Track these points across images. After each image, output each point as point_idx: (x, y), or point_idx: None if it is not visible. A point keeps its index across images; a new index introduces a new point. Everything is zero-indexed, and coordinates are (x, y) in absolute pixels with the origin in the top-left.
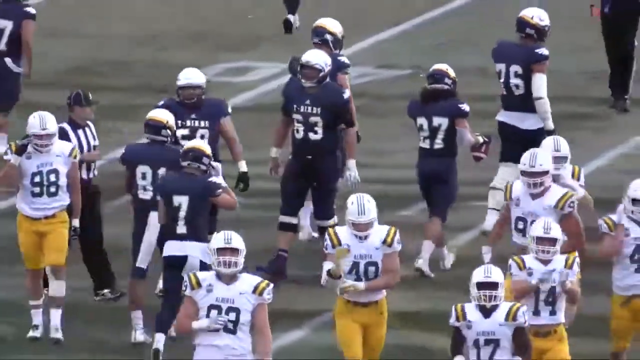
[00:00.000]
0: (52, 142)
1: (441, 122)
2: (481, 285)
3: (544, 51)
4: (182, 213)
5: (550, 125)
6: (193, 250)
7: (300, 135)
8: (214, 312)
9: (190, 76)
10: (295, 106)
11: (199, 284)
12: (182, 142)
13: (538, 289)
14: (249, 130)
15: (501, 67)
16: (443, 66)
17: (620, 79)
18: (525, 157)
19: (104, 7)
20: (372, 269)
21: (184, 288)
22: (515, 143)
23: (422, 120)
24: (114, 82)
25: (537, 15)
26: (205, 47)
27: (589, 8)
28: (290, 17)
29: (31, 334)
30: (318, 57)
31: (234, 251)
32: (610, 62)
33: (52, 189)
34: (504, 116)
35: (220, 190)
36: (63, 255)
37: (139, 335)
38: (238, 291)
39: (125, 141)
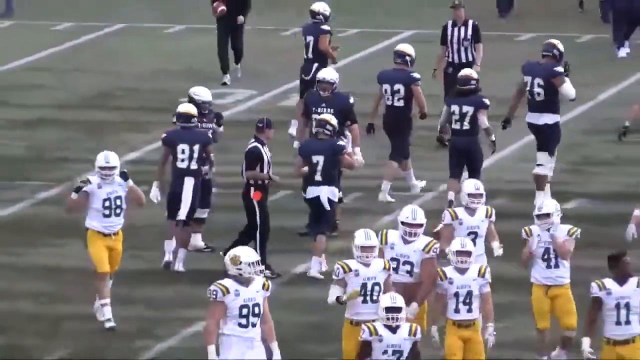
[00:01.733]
0: (114, 173)
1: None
2: (388, 310)
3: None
4: (319, 167)
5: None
6: (323, 192)
7: None
8: (244, 310)
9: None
10: (313, 109)
11: (228, 291)
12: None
13: (458, 293)
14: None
15: (528, 79)
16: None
17: None
18: (407, 211)
19: (115, 51)
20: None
21: (214, 296)
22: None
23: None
24: (126, 104)
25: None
26: (195, 78)
27: None
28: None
29: (108, 324)
30: (332, 75)
31: (259, 264)
32: None
33: (118, 211)
34: (529, 117)
35: (345, 150)
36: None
37: (179, 267)
38: (255, 290)
39: (135, 148)
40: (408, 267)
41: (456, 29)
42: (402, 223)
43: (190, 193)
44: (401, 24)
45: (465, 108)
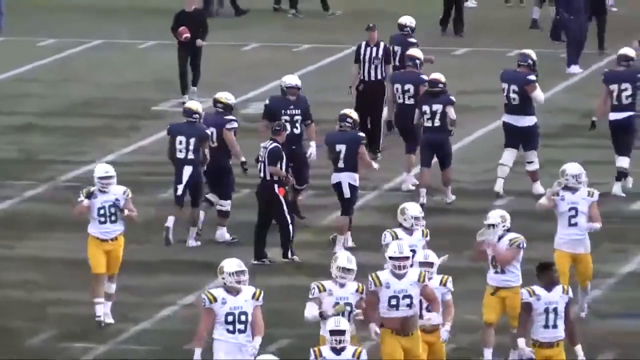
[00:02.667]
0: (112, 183)
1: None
2: (333, 332)
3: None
4: (341, 155)
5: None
6: (343, 177)
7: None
8: (230, 318)
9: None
10: (283, 111)
11: (215, 299)
12: None
13: (398, 298)
14: None
15: (505, 85)
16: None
17: None
18: (394, 246)
19: (96, 64)
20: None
21: (203, 303)
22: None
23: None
24: (105, 111)
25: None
26: (165, 89)
27: None
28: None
29: (108, 320)
30: (297, 80)
31: (245, 272)
32: None
33: (113, 218)
34: (506, 117)
35: (364, 142)
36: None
37: (192, 242)
38: (244, 299)
39: (112, 151)
40: (408, 301)
41: (369, 49)
42: (390, 258)
43: (187, 178)
44: (347, 39)
45: (435, 107)
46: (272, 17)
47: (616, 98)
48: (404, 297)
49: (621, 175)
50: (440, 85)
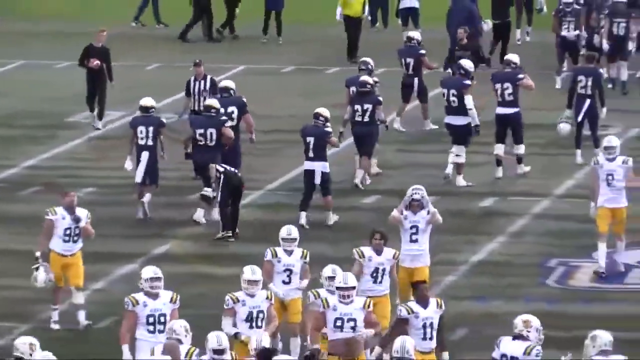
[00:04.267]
0: (75, 207)
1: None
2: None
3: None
4: (310, 146)
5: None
6: (316, 166)
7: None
8: (151, 319)
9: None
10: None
11: (137, 302)
12: None
13: (343, 320)
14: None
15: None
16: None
17: None
18: (340, 276)
19: (19, 82)
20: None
21: (126, 305)
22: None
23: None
24: (27, 122)
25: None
26: (79, 103)
27: None
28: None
29: (55, 326)
30: (232, 84)
31: (161, 279)
32: None
33: (75, 238)
34: (448, 119)
35: (331, 136)
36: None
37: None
38: (162, 302)
39: (32, 157)
40: (352, 324)
41: (197, 83)
42: (337, 288)
43: (145, 162)
44: (237, 60)
45: (365, 106)
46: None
47: (500, 95)
48: (349, 320)
49: (520, 160)
50: (368, 87)
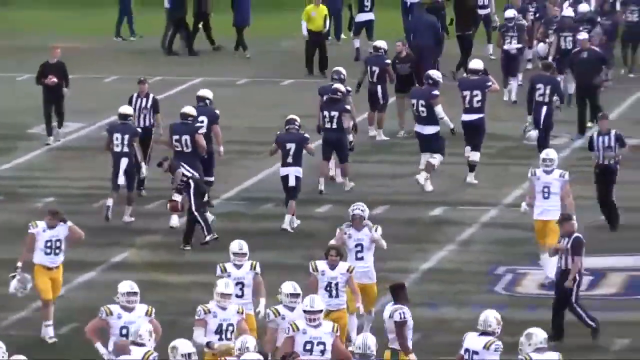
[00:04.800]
0: (58, 224)
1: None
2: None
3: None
4: (291, 152)
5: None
6: (291, 171)
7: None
8: (124, 331)
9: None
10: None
11: (111, 313)
12: None
13: (313, 344)
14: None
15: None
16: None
17: None
18: (307, 300)
19: None
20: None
21: (100, 314)
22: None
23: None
24: None
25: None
26: (39, 115)
27: None
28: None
29: (51, 340)
30: (209, 94)
31: (137, 294)
32: None
33: (57, 251)
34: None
35: (309, 141)
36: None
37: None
38: (137, 315)
39: None
40: (322, 347)
41: (139, 100)
42: (304, 311)
43: (124, 167)
44: (195, 72)
45: (332, 113)
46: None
47: (468, 102)
48: (318, 343)
49: (473, 167)
50: (339, 95)
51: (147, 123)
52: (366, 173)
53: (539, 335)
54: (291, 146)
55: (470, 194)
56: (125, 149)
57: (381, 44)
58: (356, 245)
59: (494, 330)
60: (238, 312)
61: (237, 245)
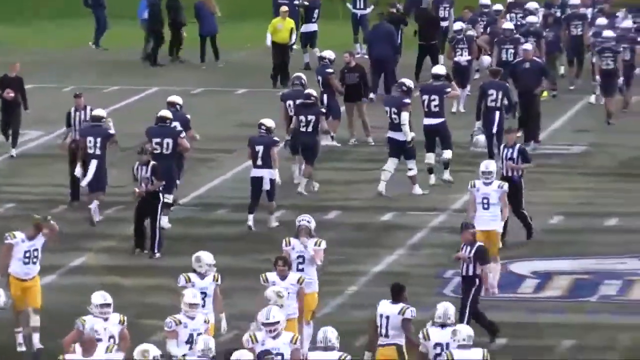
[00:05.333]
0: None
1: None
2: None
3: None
4: (259, 154)
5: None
6: (265, 173)
7: None
8: (104, 339)
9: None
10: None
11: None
12: None
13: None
14: None
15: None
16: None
17: None
18: (264, 312)
19: None
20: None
21: (76, 326)
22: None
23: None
24: None
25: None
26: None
27: None
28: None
29: (21, 349)
30: (179, 99)
31: (110, 305)
32: None
33: (35, 260)
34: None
35: (278, 144)
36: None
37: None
38: (112, 323)
39: None
40: (280, 358)
41: (78, 113)
42: (263, 324)
43: (94, 170)
44: (151, 82)
45: (309, 117)
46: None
47: (426, 106)
48: (277, 354)
49: (447, 165)
50: (313, 98)
51: None
52: (319, 179)
53: (463, 331)
54: (260, 148)
55: (419, 200)
56: (98, 151)
57: (327, 54)
58: (298, 257)
59: (453, 322)
60: (205, 322)
61: (195, 258)
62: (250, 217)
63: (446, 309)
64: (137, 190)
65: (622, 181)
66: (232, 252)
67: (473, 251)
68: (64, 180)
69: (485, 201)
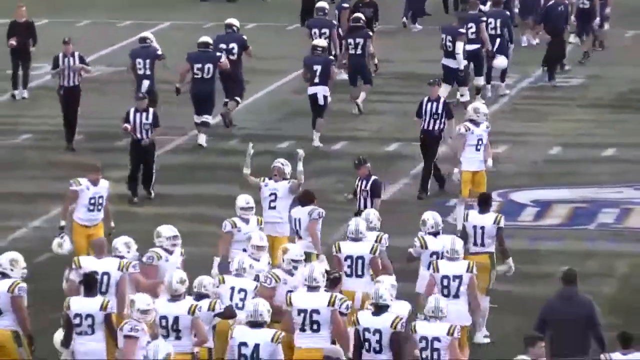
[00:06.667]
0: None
1: None
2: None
3: None
4: (317, 72)
5: None
6: (319, 90)
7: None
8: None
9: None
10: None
11: (160, 257)
12: None
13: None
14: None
15: None
16: None
17: None
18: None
19: None
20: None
21: (150, 260)
22: None
23: None
24: None
25: None
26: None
27: None
28: None
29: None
30: (235, 22)
31: (178, 237)
32: None
33: (99, 207)
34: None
35: (334, 63)
36: None
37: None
38: (176, 255)
39: None
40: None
41: (66, 59)
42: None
43: (146, 87)
44: (167, 17)
45: (357, 40)
46: None
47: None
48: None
49: (479, 90)
50: (361, 21)
51: (76, 82)
52: (331, 111)
53: (449, 244)
54: (317, 67)
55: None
56: (147, 72)
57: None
58: (270, 194)
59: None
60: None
61: (244, 199)
62: (316, 135)
63: (433, 217)
64: (127, 126)
65: (619, 113)
66: (241, 183)
67: (369, 185)
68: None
69: (479, 142)
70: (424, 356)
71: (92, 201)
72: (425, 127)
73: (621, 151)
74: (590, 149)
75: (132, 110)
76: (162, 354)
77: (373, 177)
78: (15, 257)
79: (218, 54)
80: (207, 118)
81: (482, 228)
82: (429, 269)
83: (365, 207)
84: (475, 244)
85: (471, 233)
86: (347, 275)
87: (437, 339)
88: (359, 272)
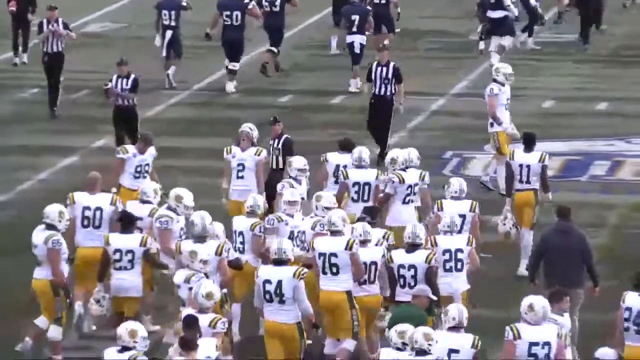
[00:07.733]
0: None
1: None
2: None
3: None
4: (355, 22)
5: None
6: (357, 39)
7: None
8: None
9: None
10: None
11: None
12: None
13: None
14: None
15: None
16: None
17: None
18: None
19: None
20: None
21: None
22: None
23: None
24: None
25: None
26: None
27: None
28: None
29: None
30: None
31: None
32: None
33: (145, 175)
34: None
35: (370, 13)
36: None
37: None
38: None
39: None
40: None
41: (50, 25)
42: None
43: (169, 39)
44: None
45: None
46: None
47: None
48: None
49: (502, 49)
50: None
51: (59, 48)
52: (326, 65)
53: (455, 184)
54: (355, 17)
55: (420, 84)
56: (172, 22)
57: None
58: (238, 165)
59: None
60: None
61: (302, 162)
62: (352, 82)
63: (410, 153)
64: (109, 85)
65: (611, 67)
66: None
67: (280, 143)
68: (83, 67)
69: (508, 102)
70: (447, 267)
71: (139, 169)
72: (377, 92)
73: (613, 105)
74: (583, 102)
75: (114, 76)
76: (204, 290)
77: (285, 136)
78: (62, 210)
79: (246, 1)
80: (234, 66)
81: (528, 166)
82: (433, 207)
83: (277, 165)
84: (520, 181)
85: (517, 171)
86: (354, 201)
87: (460, 250)
88: (365, 198)
